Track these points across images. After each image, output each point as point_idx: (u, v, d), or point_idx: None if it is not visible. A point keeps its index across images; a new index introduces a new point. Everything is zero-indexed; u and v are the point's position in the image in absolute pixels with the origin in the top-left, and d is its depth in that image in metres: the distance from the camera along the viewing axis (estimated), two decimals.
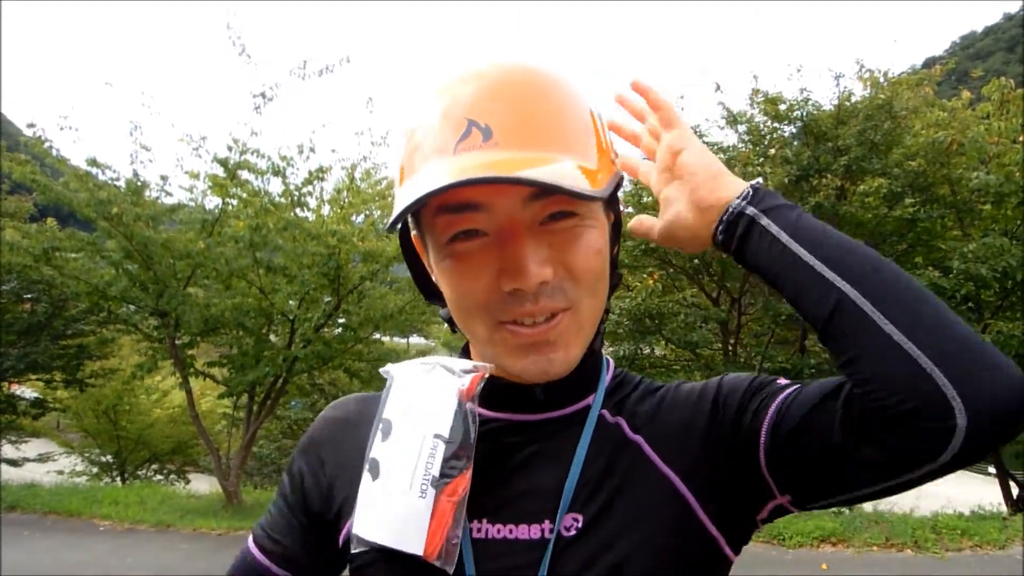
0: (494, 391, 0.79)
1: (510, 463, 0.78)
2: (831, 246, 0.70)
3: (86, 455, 16.86)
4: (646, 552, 0.73)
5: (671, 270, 10.73)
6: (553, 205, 0.70)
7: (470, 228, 0.70)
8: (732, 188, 0.76)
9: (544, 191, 0.67)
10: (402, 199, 0.69)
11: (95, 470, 16.53)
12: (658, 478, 0.76)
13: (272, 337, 10.12)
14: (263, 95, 8.58)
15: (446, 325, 0.87)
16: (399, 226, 0.79)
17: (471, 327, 0.76)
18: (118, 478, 16.24)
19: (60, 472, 14.76)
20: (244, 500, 9.37)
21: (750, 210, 0.74)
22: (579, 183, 0.66)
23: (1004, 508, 9.65)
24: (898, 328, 0.63)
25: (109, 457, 16.75)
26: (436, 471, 0.72)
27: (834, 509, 13.91)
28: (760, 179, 0.79)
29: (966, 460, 0.62)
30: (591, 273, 0.73)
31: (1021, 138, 7.92)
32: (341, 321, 9.99)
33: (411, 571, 0.72)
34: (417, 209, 0.69)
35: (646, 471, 0.77)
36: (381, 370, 0.82)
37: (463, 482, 0.72)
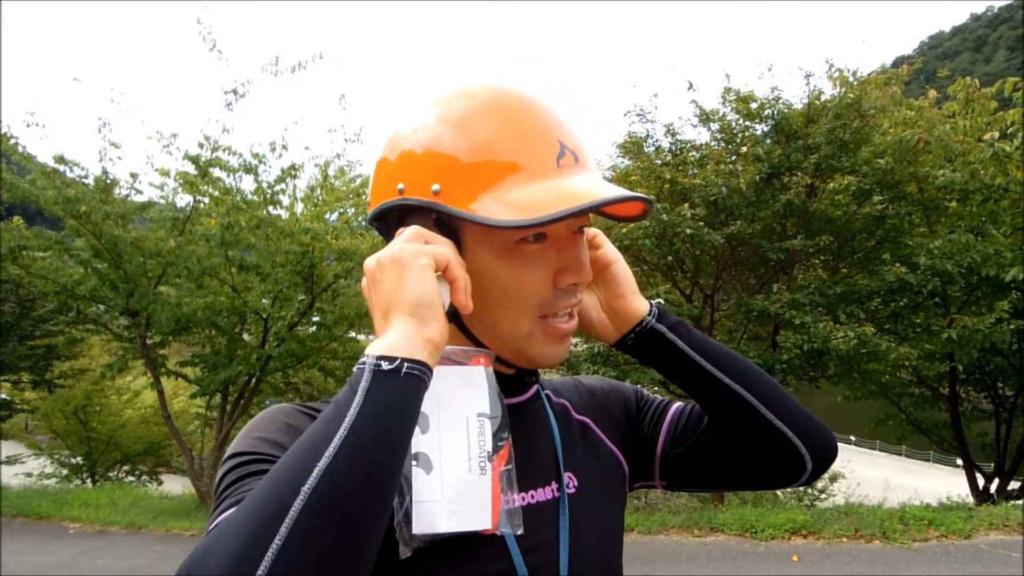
0: None
1: (515, 440, 0.86)
2: (725, 360, 0.94)
3: (55, 457, 16.58)
4: (614, 504, 0.96)
5: (645, 267, 10.81)
6: (584, 220, 0.84)
7: (540, 232, 0.80)
8: (642, 304, 0.96)
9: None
10: (553, 203, 0.74)
11: (65, 472, 16.27)
12: (607, 450, 1.00)
13: (245, 336, 10.04)
14: (235, 92, 8.49)
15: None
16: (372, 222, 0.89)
17: (514, 320, 0.82)
18: (88, 480, 16.01)
19: (29, 475, 14.51)
20: None
21: (659, 327, 0.95)
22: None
23: (970, 499, 9.87)
24: (771, 412, 0.92)
25: (79, 459, 16.49)
26: (489, 446, 0.78)
27: (806, 502, 14.07)
28: (660, 300, 0.90)
29: (805, 484, 1.00)
30: (590, 277, 0.88)
31: (986, 136, 8.08)
32: (315, 319, 9.94)
33: (458, 556, 0.77)
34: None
35: (600, 444, 1.00)
36: None
37: (508, 450, 0.80)
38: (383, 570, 0.72)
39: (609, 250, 0.96)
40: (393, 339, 0.68)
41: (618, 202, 0.75)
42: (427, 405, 0.75)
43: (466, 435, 0.77)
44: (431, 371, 0.69)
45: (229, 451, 0.77)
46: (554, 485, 0.88)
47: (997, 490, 10.56)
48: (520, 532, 0.79)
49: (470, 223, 0.77)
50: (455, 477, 0.76)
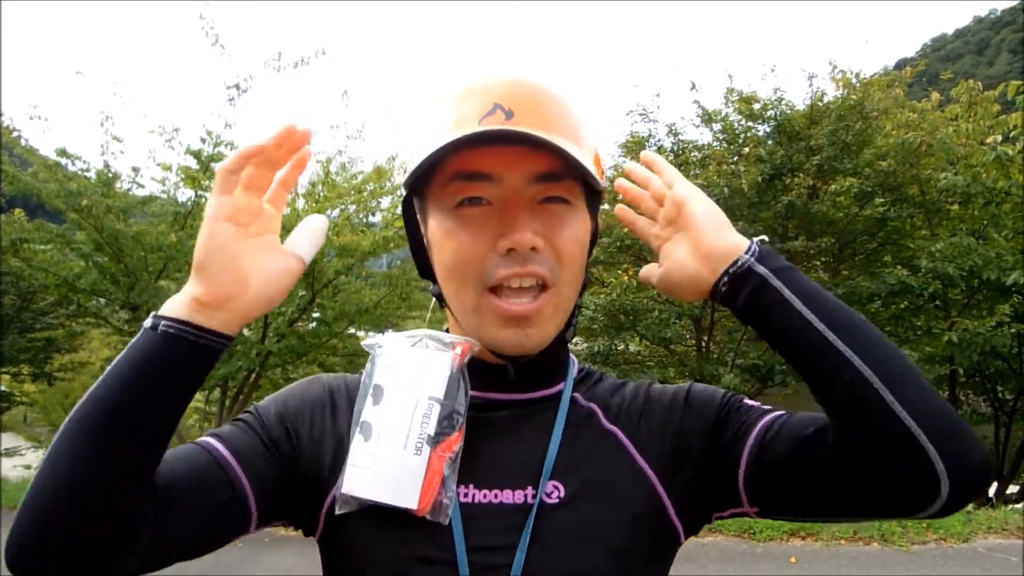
0: (477, 371, 0.83)
1: (493, 434, 0.84)
2: (841, 318, 0.74)
3: None
4: (619, 530, 0.80)
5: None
6: (553, 190, 0.78)
7: (477, 196, 0.77)
8: (737, 241, 0.80)
9: (551, 176, 0.77)
10: (423, 146, 0.76)
11: None
12: (634, 468, 0.84)
13: (245, 331, 10.02)
14: (237, 87, 8.48)
15: (433, 303, 0.92)
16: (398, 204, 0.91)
17: (461, 293, 0.81)
18: None
19: (27, 467, 14.50)
20: None
21: (760, 268, 0.77)
22: (592, 169, 0.76)
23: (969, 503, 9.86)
24: (893, 395, 0.69)
25: None
26: (431, 430, 0.77)
27: None
28: (764, 236, 0.83)
29: (934, 517, 0.73)
30: (574, 260, 0.81)
31: (988, 139, 8.07)
32: (315, 315, 9.93)
33: (397, 531, 0.78)
34: (429, 174, 0.79)
35: (624, 459, 0.84)
36: (365, 343, 0.86)
37: (457, 441, 0.78)
38: (329, 532, 0.83)
39: (681, 188, 0.85)
40: (171, 299, 0.72)
41: (483, 138, 0.73)
42: (386, 379, 0.80)
43: (411, 414, 0.78)
44: (203, 330, 0.70)
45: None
46: (529, 490, 0.80)
47: (996, 494, 10.54)
48: (444, 523, 0.77)
49: (423, 193, 0.83)
50: (389, 451, 0.77)
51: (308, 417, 0.86)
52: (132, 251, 8.41)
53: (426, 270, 0.88)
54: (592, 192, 0.84)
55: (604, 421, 0.87)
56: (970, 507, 8.11)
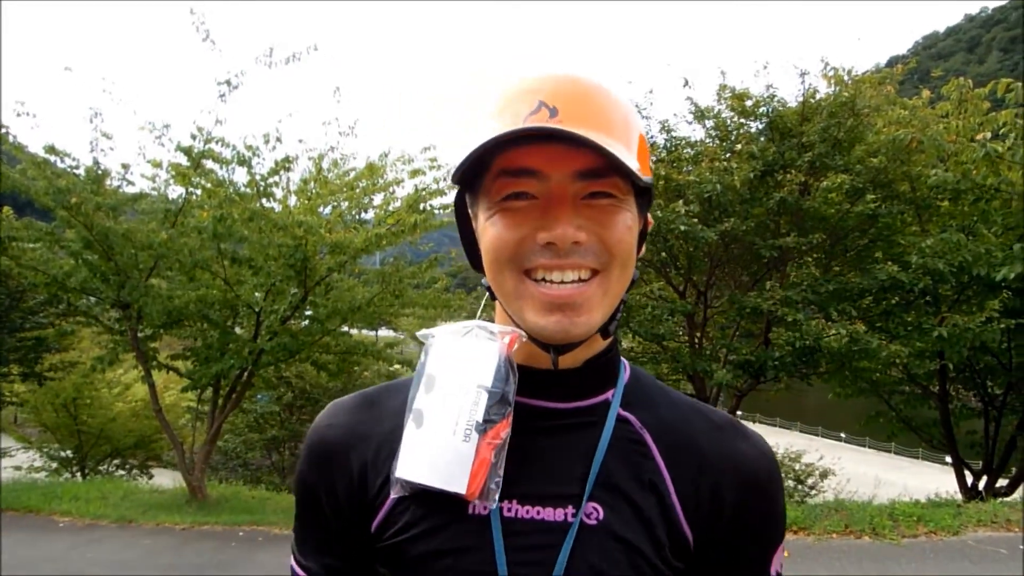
0: (521, 377, 0.83)
1: (538, 445, 0.84)
2: None
3: (45, 450, 16.49)
4: (647, 563, 0.81)
5: (639, 264, 10.79)
6: (598, 185, 0.78)
7: (523, 191, 0.78)
8: None
9: (595, 172, 0.77)
10: (471, 145, 0.77)
11: (54, 465, 16.18)
12: (667, 502, 0.84)
13: (237, 329, 9.98)
14: (228, 83, 8.41)
15: (486, 296, 0.92)
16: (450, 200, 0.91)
17: (501, 279, 0.82)
18: (78, 473, 15.93)
19: (18, 468, 14.41)
20: (209, 495, 9.25)
21: None
22: (634, 167, 0.75)
23: (959, 496, 9.94)
24: None
25: (69, 452, 16.41)
26: (480, 417, 0.79)
27: (796, 499, 14.14)
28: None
29: None
30: (624, 244, 0.81)
31: (978, 136, 8.11)
32: (308, 313, 9.88)
33: (447, 517, 0.81)
34: (480, 173, 0.81)
35: (662, 493, 0.84)
36: (419, 333, 0.88)
37: (504, 428, 0.80)
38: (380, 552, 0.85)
39: None
40: None
41: (528, 133, 0.74)
42: (437, 368, 0.83)
43: (460, 402, 0.80)
44: None
45: None
46: (570, 509, 0.81)
47: (985, 487, 10.64)
48: (492, 507, 0.80)
49: (475, 189, 0.85)
50: (441, 438, 0.79)
51: (358, 459, 0.89)
52: (122, 249, 8.35)
53: (477, 263, 0.89)
54: (640, 189, 0.83)
55: (652, 446, 0.86)
56: (960, 500, 8.18)
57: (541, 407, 0.86)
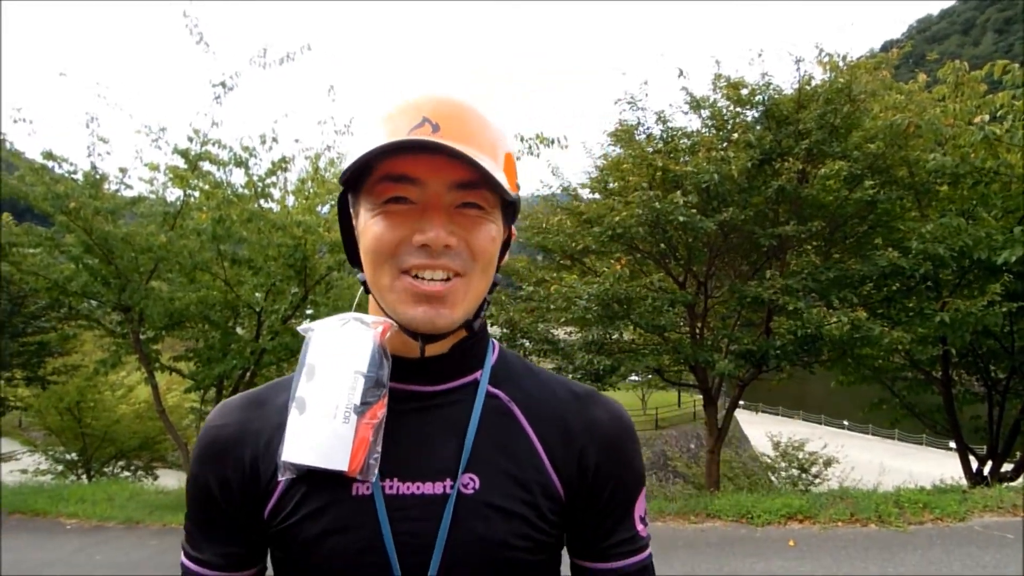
0: (395, 365, 0.91)
1: (414, 428, 0.92)
2: None
3: (50, 453, 16.55)
4: (526, 523, 0.89)
5: (638, 255, 10.81)
6: (470, 196, 0.86)
7: (403, 196, 0.85)
8: None
9: (469, 184, 0.85)
10: (359, 151, 0.84)
11: (60, 468, 16.24)
12: (541, 468, 0.93)
13: (239, 330, 10.00)
14: (223, 84, 8.41)
15: (361, 290, 0.98)
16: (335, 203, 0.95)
17: (378, 276, 0.88)
18: (84, 476, 15.98)
19: (24, 471, 14.47)
20: None
21: None
22: (504, 182, 0.85)
23: (964, 481, 9.94)
24: None
25: (74, 455, 16.45)
26: (357, 400, 0.86)
27: (801, 487, 14.16)
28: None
29: None
30: (487, 253, 0.89)
31: (976, 119, 8.09)
32: (309, 312, 9.90)
33: (332, 498, 0.87)
34: (363, 176, 0.87)
35: (533, 458, 0.93)
36: (300, 328, 0.95)
37: (380, 408, 0.87)
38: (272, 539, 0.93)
39: None
40: None
41: (413, 144, 0.81)
42: (318, 358, 0.89)
43: (339, 387, 0.86)
44: None
45: None
46: (447, 482, 0.88)
47: (990, 472, 10.64)
48: (372, 480, 0.86)
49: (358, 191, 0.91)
50: (322, 421, 0.85)
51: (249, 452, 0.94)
52: (122, 252, 8.36)
53: (355, 259, 0.96)
54: (507, 203, 0.92)
55: (521, 418, 0.95)
56: (965, 486, 8.19)
57: (414, 391, 0.94)
